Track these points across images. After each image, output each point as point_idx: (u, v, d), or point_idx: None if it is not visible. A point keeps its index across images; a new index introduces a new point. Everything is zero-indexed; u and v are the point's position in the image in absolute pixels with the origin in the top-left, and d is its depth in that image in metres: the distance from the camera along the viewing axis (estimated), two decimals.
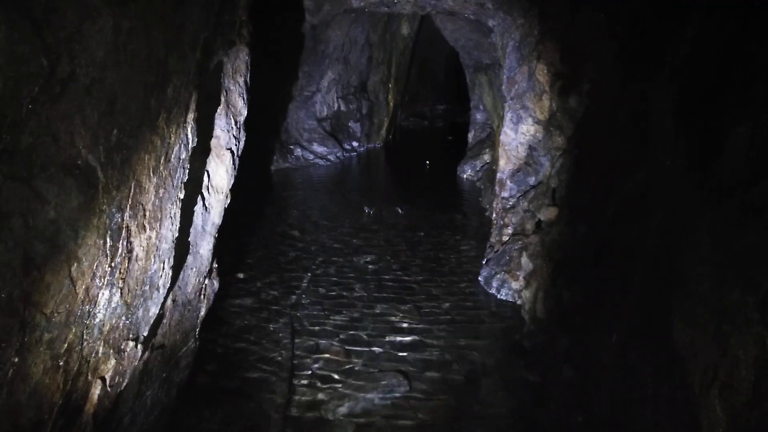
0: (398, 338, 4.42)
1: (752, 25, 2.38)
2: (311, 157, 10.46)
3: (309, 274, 5.58)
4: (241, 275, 5.47)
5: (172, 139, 2.73)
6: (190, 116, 2.89)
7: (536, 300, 4.39)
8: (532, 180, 5.50)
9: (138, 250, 2.61)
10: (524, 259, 4.81)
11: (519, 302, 4.92)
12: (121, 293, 2.50)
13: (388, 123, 12.66)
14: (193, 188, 3.41)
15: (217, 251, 4.21)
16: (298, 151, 10.33)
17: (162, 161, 2.67)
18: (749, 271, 2.16)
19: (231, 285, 5.15)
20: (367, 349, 4.25)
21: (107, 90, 2.11)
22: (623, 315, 3.29)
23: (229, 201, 4.04)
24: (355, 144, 11.54)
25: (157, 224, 2.72)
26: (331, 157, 10.74)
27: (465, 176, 9.64)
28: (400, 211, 7.73)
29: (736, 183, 2.31)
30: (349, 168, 10.85)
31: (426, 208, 8.00)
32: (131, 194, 2.43)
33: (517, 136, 5.63)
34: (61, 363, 2.13)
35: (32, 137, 1.78)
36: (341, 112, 11.32)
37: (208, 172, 3.67)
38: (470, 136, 10.26)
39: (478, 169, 9.43)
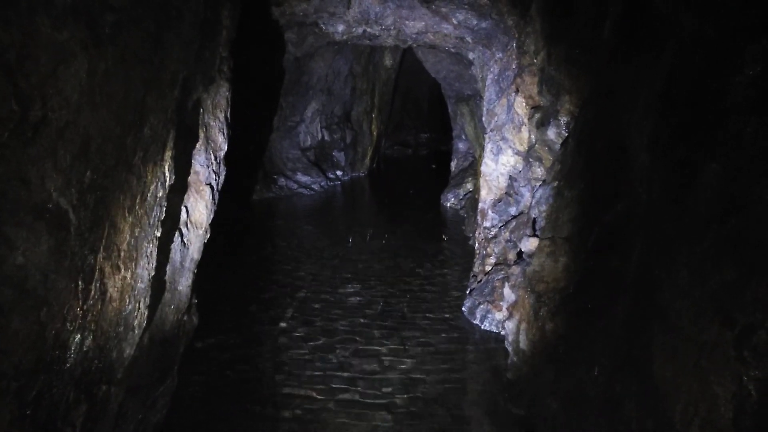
0: (382, 371, 4.36)
1: (722, 63, 2.45)
2: (295, 186, 10.45)
3: (292, 308, 5.50)
4: (222, 309, 5.38)
5: (149, 177, 2.71)
6: (168, 154, 2.87)
7: (519, 331, 4.37)
8: (513, 210, 5.54)
9: (112, 291, 2.56)
10: (506, 290, 4.81)
11: (503, 333, 4.90)
12: (94, 336, 2.43)
13: (372, 152, 12.74)
14: (171, 225, 3.38)
15: (197, 285, 4.14)
16: (282, 181, 10.31)
17: (138, 200, 2.64)
18: (726, 306, 2.17)
19: (211, 319, 5.06)
20: (350, 384, 4.17)
21: (81, 132, 2.09)
22: (607, 347, 3.28)
23: (208, 236, 4.00)
24: (339, 173, 11.58)
25: (133, 264, 2.68)
26: (315, 187, 10.75)
27: (448, 204, 9.69)
28: (383, 241, 7.71)
29: (711, 219, 2.34)
30: (333, 197, 10.85)
31: (410, 237, 8.00)
32: (105, 235, 2.39)
33: (498, 166, 5.69)
34: (29, 412, 2.06)
35: (2, 183, 1.75)
36: (325, 142, 11.37)
37: (186, 207, 3.63)
38: (453, 164, 10.35)
39: (461, 197, 9.49)
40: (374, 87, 12.35)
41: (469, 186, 9.40)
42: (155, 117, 2.67)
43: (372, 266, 6.78)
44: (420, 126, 16.54)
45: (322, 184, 10.94)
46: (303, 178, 10.70)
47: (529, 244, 4.60)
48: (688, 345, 2.37)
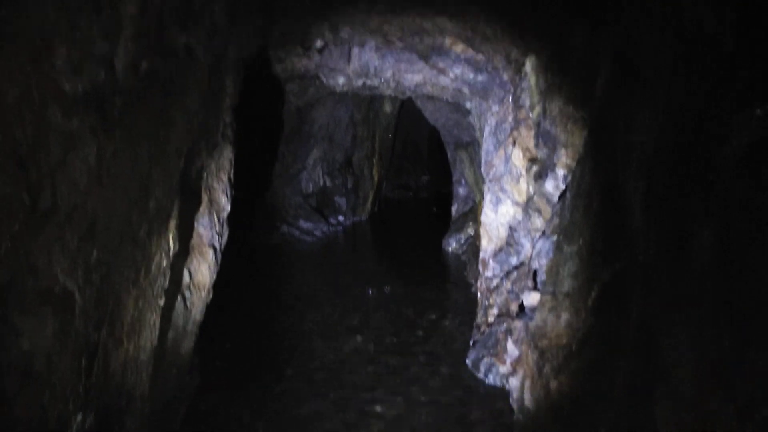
0: (384, 427, 4.29)
1: (710, 131, 2.52)
2: (297, 233, 10.50)
3: (291, 366, 5.45)
4: (223, 365, 5.33)
5: (153, 248, 2.75)
6: (172, 223, 2.93)
7: (524, 388, 4.32)
8: (514, 260, 5.56)
9: (114, 366, 2.56)
10: (510, 344, 4.78)
11: (507, 388, 4.83)
12: (96, 413, 2.42)
13: (373, 196, 12.85)
14: (174, 290, 3.40)
15: (199, 345, 4.13)
16: (284, 228, 10.37)
17: (142, 273, 2.68)
18: (726, 376, 2.17)
19: (213, 376, 5.01)
20: None
21: (88, 213, 2.14)
22: (610, 408, 3.24)
23: (211, 296, 4.02)
24: (341, 218, 11.64)
25: (136, 336, 2.69)
26: (317, 233, 10.79)
27: (450, 249, 9.71)
28: (386, 290, 7.70)
29: (707, 285, 2.36)
30: (335, 243, 10.88)
31: (412, 284, 7.98)
32: (109, 311, 2.42)
33: (498, 216, 5.74)
34: None
35: (10, 273, 1.78)
36: (327, 188, 11.49)
37: (189, 270, 3.67)
38: (453, 209, 10.42)
39: (462, 242, 9.51)
40: (375, 133, 12.56)
41: (470, 231, 9.44)
42: (160, 189, 2.73)
43: (374, 316, 6.75)
44: (420, 169, 16.72)
45: (324, 229, 10.99)
46: (305, 225, 10.76)
47: (531, 299, 4.60)
48: (691, 414, 2.36)
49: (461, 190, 10.26)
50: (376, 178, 12.99)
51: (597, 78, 4.04)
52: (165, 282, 2.97)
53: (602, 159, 3.92)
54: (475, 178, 8.98)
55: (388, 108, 12.54)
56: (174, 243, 3.00)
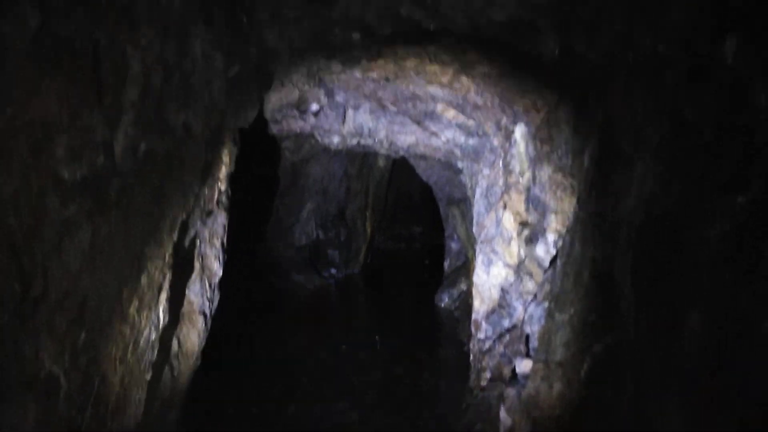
0: None
1: (693, 217, 2.58)
2: (289, 286, 10.42)
3: (281, 424, 5.31)
4: (207, 427, 5.17)
5: (143, 323, 2.74)
6: (163, 296, 2.92)
7: None
8: (506, 323, 5.53)
9: None
10: (503, 413, 4.69)
11: None
12: None
13: (365, 248, 12.85)
14: (161, 360, 3.35)
15: (185, 413, 4.03)
16: (277, 281, 10.30)
17: (130, 348, 2.65)
18: None
19: None
20: None
21: (79, 296, 2.14)
22: None
23: (199, 362, 3.96)
24: (333, 271, 11.60)
25: (120, 415, 2.63)
26: (309, 286, 10.72)
27: (443, 305, 9.65)
28: (376, 340, 7.61)
29: (699, 369, 2.36)
30: (327, 296, 10.79)
31: (404, 342, 7.89)
32: (94, 392, 2.38)
33: (489, 278, 5.75)
34: None
35: None
36: (320, 241, 11.50)
37: (178, 338, 3.63)
38: (446, 264, 10.43)
39: (455, 297, 9.47)
40: (368, 186, 12.70)
41: (463, 286, 9.42)
42: (152, 264, 2.74)
43: (364, 379, 6.63)
44: (413, 221, 16.80)
45: (317, 282, 10.93)
46: (297, 278, 10.70)
47: (523, 366, 4.56)
48: None
49: (453, 245, 10.30)
50: (369, 231, 13.03)
51: (585, 150, 4.16)
52: (153, 355, 2.93)
53: (591, 229, 3.98)
54: (467, 234, 9.04)
55: (381, 162, 12.74)
56: (164, 315, 2.98)
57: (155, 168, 2.65)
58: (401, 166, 14.77)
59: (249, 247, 9.89)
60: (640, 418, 2.85)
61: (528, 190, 5.05)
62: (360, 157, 11.97)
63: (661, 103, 2.95)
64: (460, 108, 5.48)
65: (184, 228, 3.15)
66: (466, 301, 8.82)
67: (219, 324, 4.75)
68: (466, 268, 9.60)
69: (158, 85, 2.51)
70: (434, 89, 5.13)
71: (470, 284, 8.26)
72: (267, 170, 9.32)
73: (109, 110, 2.17)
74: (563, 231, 4.62)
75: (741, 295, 2.25)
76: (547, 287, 4.55)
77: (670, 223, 2.75)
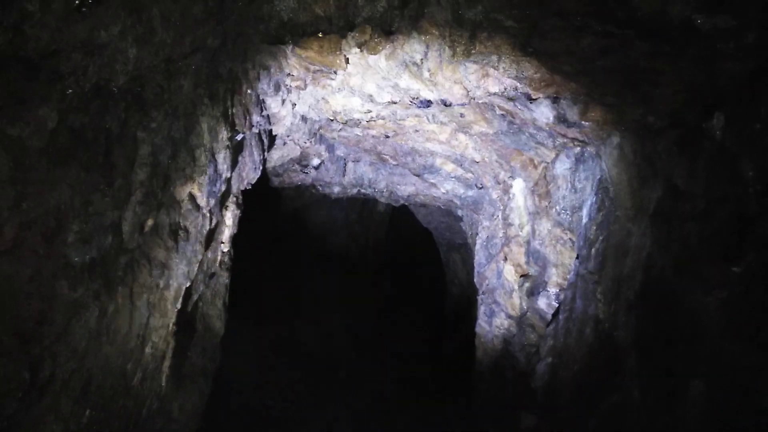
0: None
1: (690, 285, 2.62)
2: (294, 332, 10.34)
3: None
4: None
5: (146, 394, 2.74)
6: (166, 364, 2.93)
7: None
8: (509, 374, 5.48)
9: None
10: None
11: None
12: None
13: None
14: (162, 427, 3.33)
15: None
16: (279, 327, 10.23)
17: (133, 421, 2.64)
18: None
19: None
20: None
21: (84, 375, 2.16)
22: None
23: (199, 425, 3.92)
24: (337, 315, 11.53)
25: None
26: (314, 329, 10.63)
27: (445, 351, 9.56)
28: (379, 394, 7.51)
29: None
30: (333, 337, 10.69)
31: (408, 390, 7.80)
32: None
33: (492, 329, 5.74)
34: None
35: None
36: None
37: (179, 403, 3.60)
38: (448, 310, 10.38)
39: (456, 345, 9.38)
40: (368, 230, 12.77)
41: (465, 331, 9.35)
42: (157, 334, 2.77)
43: (368, 411, 6.53)
44: (414, 264, 16.77)
45: (321, 326, 10.84)
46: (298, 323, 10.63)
47: (529, 421, 4.50)
48: None
49: (454, 290, 10.28)
50: (371, 273, 13.03)
51: (582, 207, 4.23)
52: (154, 425, 2.92)
53: (592, 286, 4.01)
54: (468, 279, 9.04)
55: (381, 207, 12.85)
56: (167, 383, 2.98)
57: (161, 242, 2.71)
58: (400, 211, 14.91)
59: (250, 296, 9.87)
60: None
61: (528, 243, 5.10)
62: (360, 203, 12.09)
63: (655, 169, 3.03)
64: (459, 162, 5.59)
65: (188, 295, 3.18)
66: (468, 347, 8.75)
67: (220, 374, 4.72)
68: (468, 314, 9.56)
69: (166, 163, 2.59)
70: (433, 145, 5.25)
71: (471, 334, 8.22)
72: (268, 218, 9.40)
73: (118, 192, 2.25)
74: (564, 284, 4.65)
75: (741, 365, 2.27)
76: (550, 342, 4.54)
77: (668, 288, 2.79)
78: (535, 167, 4.74)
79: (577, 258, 4.30)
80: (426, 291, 15.76)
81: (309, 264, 11.41)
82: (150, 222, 2.52)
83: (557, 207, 4.58)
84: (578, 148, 4.07)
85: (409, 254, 16.92)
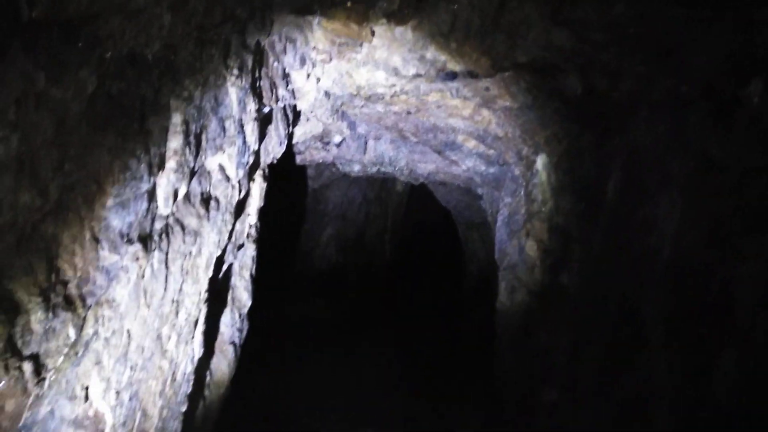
0: None
1: (724, 254, 2.60)
2: (310, 311, 10.48)
3: None
4: None
5: (180, 357, 2.82)
6: (199, 330, 3.01)
7: None
8: (530, 351, 5.51)
9: None
10: None
11: None
12: None
13: (385, 272, 12.89)
14: (196, 392, 3.43)
15: None
16: (297, 305, 10.38)
17: (168, 382, 2.73)
18: None
19: None
20: None
21: (125, 335, 2.24)
22: None
23: (229, 392, 4.02)
24: (352, 295, 11.64)
25: None
26: (330, 310, 10.77)
27: (463, 328, 9.62)
28: (398, 373, 7.60)
29: (733, 412, 2.36)
30: (347, 319, 10.82)
31: (426, 368, 7.88)
32: (135, 425, 2.46)
33: (512, 305, 5.76)
34: None
35: (50, 405, 1.86)
36: (339, 265, 11.58)
37: (210, 369, 3.70)
38: (466, 287, 10.42)
39: (475, 322, 9.43)
40: (387, 210, 12.80)
41: (483, 310, 9.38)
42: (190, 300, 2.84)
43: (388, 405, 6.63)
44: (432, 244, 16.81)
45: (336, 306, 10.98)
46: (318, 302, 10.76)
47: (550, 395, 4.53)
48: None
49: (473, 269, 10.30)
50: (388, 255, 13.09)
51: (608, 180, 4.19)
52: (189, 388, 3.01)
53: (619, 259, 3.99)
54: (487, 258, 9.05)
55: (399, 187, 12.84)
56: (199, 348, 3.06)
57: (193, 210, 2.76)
58: (420, 191, 14.90)
59: (270, 273, 10.01)
60: None
61: (551, 219, 5.08)
62: (379, 183, 12.10)
63: (686, 141, 2.99)
64: (481, 139, 5.56)
65: (219, 264, 3.25)
66: (487, 325, 8.79)
67: (243, 351, 4.82)
68: (486, 292, 9.58)
69: (197, 133, 2.63)
70: (455, 121, 5.23)
71: (491, 309, 8.24)
72: (287, 197, 9.47)
73: (154, 159, 2.29)
74: (588, 260, 4.63)
75: None
76: (573, 316, 4.54)
77: (699, 260, 2.77)
78: (560, 142, 4.70)
79: (600, 232, 4.28)
80: (444, 271, 15.83)
81: (326, 244, 11.51)
82: (183, 190, 2.57)
83: (581, 182, 4.55)
84: (605, 122, 4.02)
85: (427, 235, 16.97)
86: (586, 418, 4.00)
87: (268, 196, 4.26)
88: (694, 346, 2.70)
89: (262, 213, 4.34)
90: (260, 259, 4.81)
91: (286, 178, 8.43)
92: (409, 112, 5.23)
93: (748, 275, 2.42)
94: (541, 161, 5.10)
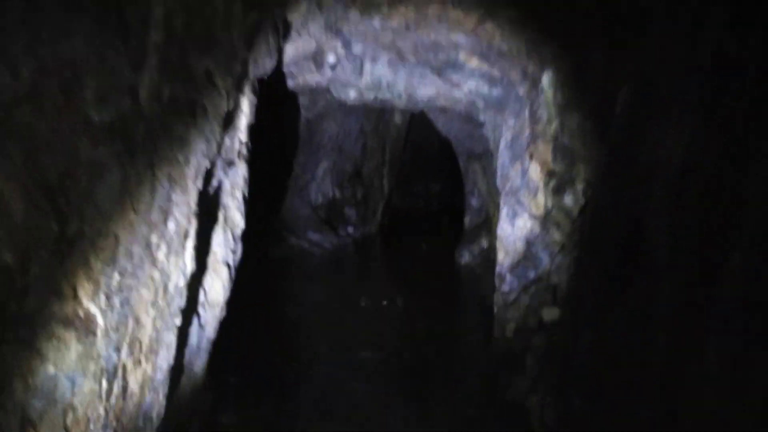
0: None
1: (738, 156, 2.48)
2: (306, 245, 10.49)
3: (304, 377, 5.42)
4: (233, 380, 5.29)
5: (171, 269, 2.75)
6: (190, 244, 2.92)
7: (544, 406, 4.26)
8: (532, 274, 5.50)
9: (133, 387, 2.55)
10: (529, 361, 4.72)
11: (527, 405, 4.77)
12: None
13: (383, 207, 12.82)
14: (189, 309, 3.39)
15: (212, 363, 4.11)
16: (293, 240, 10.37)
17: (161, 293, 2.67)
18: (753, 392, 2.12)
19: (225, 394, 4.98)
20: None
21: (111, 238, 2.14)
22: (635, 428, 3.18)
23: (225, 314, 4.01)
24: (350, 230, 11.62)
25: (153, 356, 2.68)
26: (326, 245, 10.77)
27: (463, 261, 9.65)
28: (397, 303, 7.66)
29: (737, 311, 2.31)
30: (345, 255, 10.85)
31: (425, 298, 7.93)
32: (129, 332, 2.41)
33: (514, 230, 5.69)
34: None
35: (37, 300, 1.78)
36: (336, 199, 11.48)
37: (204, 288, 3.66)
38: (467, 221, 10.38)
39: (476, 254, 9.45)
40: (385, 143, 12.56)
41: (484, 243, 9.39)
42: (179, 210, 2.73)
43: (387, 332, 6.71)
44: (431, 178, 16.69)
45: (333, 241, 10.97)
46: (314, 236, 10.75)
47: (551, 314, 4.55)
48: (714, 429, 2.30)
49: (474, 201, 10.22)
50: (386, 189, 12.97)
51: (617, 95, 4.00)
52: (182, 302, 2.96)
53: (624, 176, 3.87)
54: (488, 189, 8.95)
55: (398, 119, 12.55)
56: (191, 263, 2.99)
57: (179, 115, 2.61)
58: (419, 123, 14.58)
59: (266, 205, 9.92)
60: (674, 365, 2.82)
61: (556, 138, 4.92)
62: (376, 114, 11.80)
63: (703, 41, 2.80)
64: (484, 56, 5.30)
65: (208, 177, 3.12)
66: (487, 257, 8.81)
67: (238, 279, 4.79)
68: (487, 225, 9.55)
69: (180, 31, 2.44)
70: (457, 37, 4.96)
71: (491, 240, 8.21)
72: (282, 127, 9.23)
73: (134, 53, 2.12)
74: (593, 179, 4.52)
75: None
76: (576, 237, 4.49)
77: (712, 166, 2.65)
78: (567, 55, 4.47)
79: (609, 149, 4.14)
80: (443, 206, 15.80)
81: (322, 178, 11.35)
82: (167, 92, 2.41)
83: (589, 97, 4.36)
84: (617, 29, 3.79)
85: (425, 169, 16.80)
86: (586, 336, 4.01)
87: (261, 121, 4.08)
88: (700, 251, 2.63)
89: (254, 132, 4.18)
90: (254, 190, 4.69)
91: (280, 104, 8.17)
92: (407, 28, 4.95)
93: (761, 178, 2.30)
94: (547, 78, 4.87)
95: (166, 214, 2.58)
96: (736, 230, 2.43)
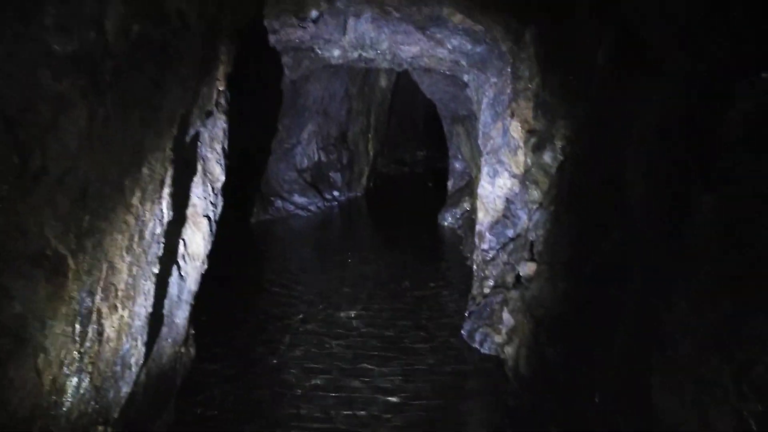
0: (382, 398, 4.33)
1: (714, 99, 2.48)
2: (292, 208, 10.45)
3: (289, 333, 5.48)
4: (218, 337, 5.34)
5: (147, 216, 2.72)
6: (166, 191, 2.88)
7: (519, 357, 4.35)
8: (510, 233, 5.55)
9: (109, 332, 2.55)
10: (506, 314, 4.81)
11: (503, 357, 4.88)
12: (91, 378, 2.42)
13: (368, 171, 12.78)
14: (169, 258, 3.37)
15: (194, 316, 4.13)
16: (279, 203, 10.32)
17: (136, 239, 2.64)
18: (724, 341, 2.18)
19: (208, 348, 5.02)
20: (349, 411, 4.15)
21: (80, 177, 2.10)
22: (606, 375, 3.27)
23: (206, 267, 4.00)
24: (335, 193, 11.59)
25: (130, 302, 2.67)
26: (312, 208, 10.75)
27: (446, 224, 9.70)
28: (381, 263, 7.70)
29: (708, 253, 2.35)
30: (330, 218, 10.85)
31: (408, 259, 7.99)
32: (103, 276, 2.39)
33: (495, 189, 5.72)
34: None
35: (0, 235, 1.75)
36: (322, 163, 11.40)
37: (184, 240, 3.63)
38: (450, 184, 10.39)
39: (458, 216, 9.50)
40: (370, 107, 12.43)
41: (467, 205, 9.43)
42: (153, 156, 2.68)
43: (369, 289, 6.77)
44: (416, 144, 16.62)
45: (319, 205, 10.95)
46: (300, 200, 10.71)
47: (527, 269, 4.61)
48: (687, 378, 2.37)
49: (457, 165, 10.21)
50: (371, 153, 12.91)
51: (599, 48, 3.97)
52: (159, 250, 2.94)
53: (602, 129, 3.88)
54: (471, 153, 8.93)
55: (383, 82, 12.39)
56: (168, 211, 2.95)
57: (150, 55, 2.53)
58: (403, 88, 14.41)
59: (250, 168, 9.82)
60: (645, 309, 2.89)
61: (537, 96, 4.90)
62: (361, 76, 11.63)
63: None
64: (468, 11, 5.21)
65: (184, 124, 3.06)
66: (469, 220, 8.86)
67: (224, 240, 4.78)
68: (469, 188, 9.57)
69: None
70: None
71: (474, 203, 8.24)
72: (266, 89, 9.06)
73: None
74: (572, 136, 4.52)
75: (757, 173, 2.20)
76: (554, 192, 4.51)
77: (689, 112, 2.66)
78: (552, 11, 4.40)
79: (590, 104, 4.13)
80: (427, 171, 15.78)
81: (307, 141, 11.24)
82: (136, 29, 2.33)
83: (571, 53, 4.32)
84: None
85: (410, 135, 16.70)
86: (560, 288, 4.08)
87: (244, 79, 3.98)
88: (674, 195, 2.66)
89: (236, 89, 4.09)
90: (237, 155, 4.60)
91: (262, 64, 8.00)
92: None
93: (737, 118, 2.31)
94: (529, 33, 4.81)
95: (139, 158, 2.54)
96: (707, 178, 2.46)
